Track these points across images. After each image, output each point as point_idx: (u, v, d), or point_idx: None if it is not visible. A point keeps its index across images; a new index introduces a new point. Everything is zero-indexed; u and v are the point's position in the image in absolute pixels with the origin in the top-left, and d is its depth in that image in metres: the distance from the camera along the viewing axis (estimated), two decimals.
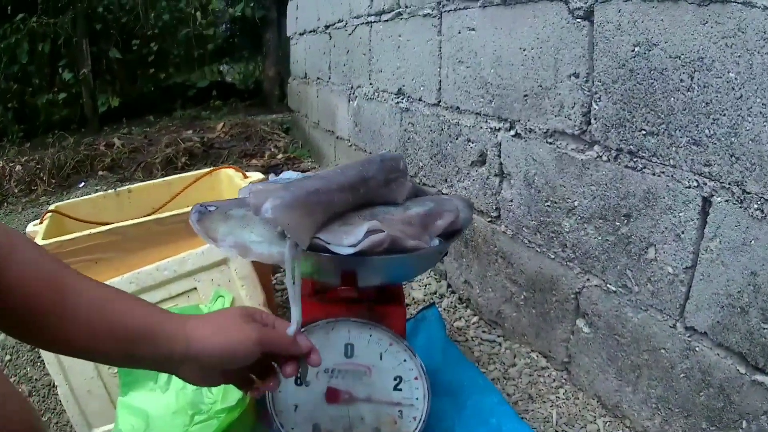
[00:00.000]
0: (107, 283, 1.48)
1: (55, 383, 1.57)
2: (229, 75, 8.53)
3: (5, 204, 4.18)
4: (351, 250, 1.10)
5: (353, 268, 1.18)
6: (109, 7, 6.23)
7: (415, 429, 1.30)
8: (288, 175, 1.20)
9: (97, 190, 4.14)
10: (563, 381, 1.70)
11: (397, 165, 1.29)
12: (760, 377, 1.12)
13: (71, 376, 1.56)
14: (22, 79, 6.33)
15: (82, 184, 4.41)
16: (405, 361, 1.32)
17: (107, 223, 1.79)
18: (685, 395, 1.30)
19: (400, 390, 1.31)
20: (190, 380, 0.97)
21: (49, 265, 0.85)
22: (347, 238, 1.11)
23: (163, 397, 1.45)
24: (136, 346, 0.88)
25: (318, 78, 3.99)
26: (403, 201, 1.30)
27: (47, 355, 1.55)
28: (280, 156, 4.64)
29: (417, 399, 1.30)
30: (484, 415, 1.51)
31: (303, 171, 3.84)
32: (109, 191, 2.23)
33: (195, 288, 1.68)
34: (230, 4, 7.40)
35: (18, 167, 4.40)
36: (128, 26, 6.62)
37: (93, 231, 1.67)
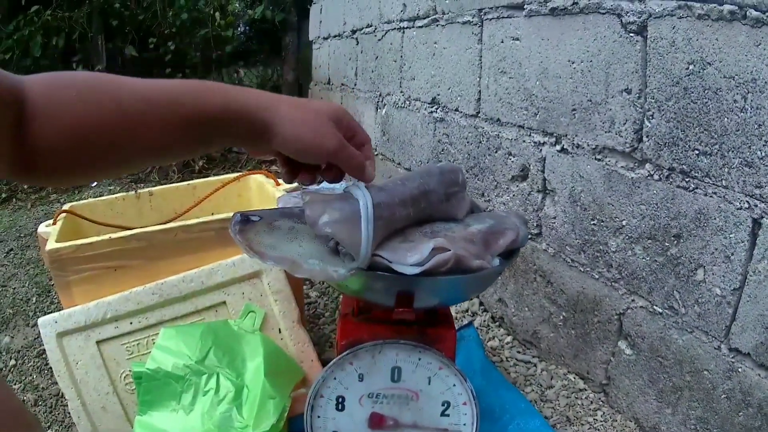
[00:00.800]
0: (125, 294, 1.51)
1: (66, 396, 1.54)
2: (246, 78, 8.55)
3: (14, 200, 4.21)
4: (416, 270, 1.05)
5: (412, 289, 1.13)
6: (126, 4, 6.25)
7: None
8: (327, 186, 1.14)
9: (110, 190, 4.16)
10: (600, 403, 1.72)
11: (456, 178, 1.23)
12: None
13: (84, 390, 1.54)
14: (34, 72, 6.37)
15: (95, 183, 4.44)
16: (454, 385, 1.31)
17: (127, 228, 1.76)
18: (725, 415, 1.32)
19: (448, 416, 1.31)
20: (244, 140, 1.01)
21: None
22: (411, 257, 1.06)
23: (186, 418, 1.42)
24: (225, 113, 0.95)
25: (342, 84, 4.01)
26: (462, 217, 1.25)
27: (57, 366, 1.53)
28: None
29: (465, 425, 1.31)
30: None
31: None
32: (129, 193, 2.19)
33: (224, 302, 1.65)
34: (249, 5, 7.42)
35: None
36: (145, 24, 6.63)
37: (114, 236, 1.61)
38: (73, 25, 5.86)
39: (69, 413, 1.71)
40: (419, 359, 1.29)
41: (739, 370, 1.28)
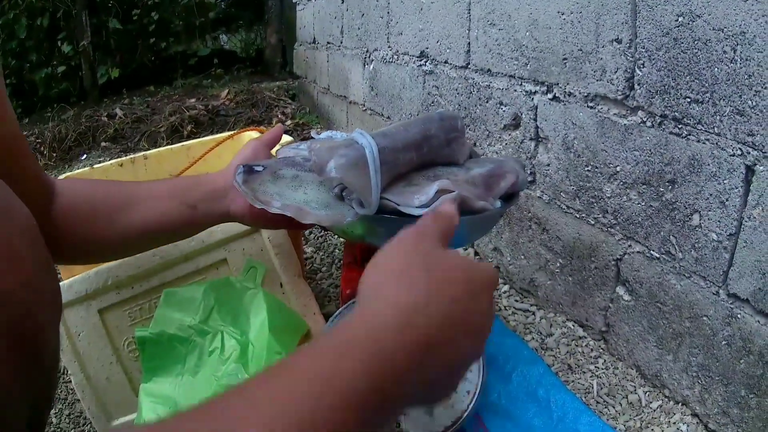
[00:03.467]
0: (123, 261, 1.55)
1: (69, 372, 1.55)
2: (229, 44, 8.56)
3: None
4: (423, 211, 1.03)
5: None
6: None
7: (469, 404, 1.33)
8: (327, 134, 1.16)
9: (100, 161, 4.15)
10: (601, 350, 1.73)
11: (456, 124, 1.26)
12: None
13: (87, 362, 1.54)
14: (20, 54, 6.37)
15: (84, 156, 4.45)
16: None
17: None
18: (726, 363, 1.33)
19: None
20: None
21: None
22: (417, 198, 1.06)
23: (192, 382, 1.42)
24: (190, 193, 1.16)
25: (329, 43, 4.00)
26: (463, 161, 1.28)
27: (61, 342, 1.51)
28: (288, 122, 4.67)
29: (471, 372, 1.34)
30: (531, 387, 1.55)
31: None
32: (124, 158, 2.21)
33: (225, 259, 1.65)
34: None
35: None
36: None
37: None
38: (57, 4, 5.86)
39: (72, 389, 1.72)
40: None
41: (739, 316, 1.29)
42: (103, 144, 4.71)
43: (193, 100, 5.45)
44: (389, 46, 2.88)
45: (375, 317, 0.66)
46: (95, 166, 2.22)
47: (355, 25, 3.39)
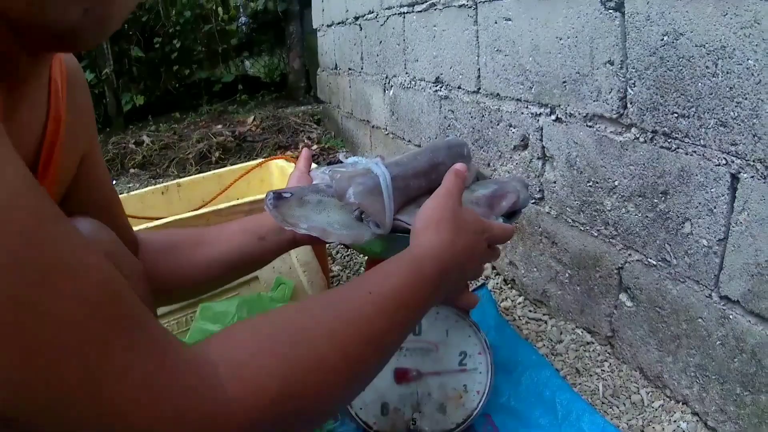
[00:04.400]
0: None
1: None
2: (253, 69, 8.61)
3: None
4: None
5: None
6: None
7: (479, 403, 1.44)
8: (353, 159, 1.28)
9: (129, 188, 4.22)
10: (607, 355, 1.81)
11: (462, 151, 1.37)
12: None
13: None
14: None
15: (114, 182, 4.53)
16: (470, 336, 1.45)
17: (159, 218, 1.83)
18: (721, 362, 1.40)
19: (465, 365, 1.45)
20: None
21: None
22: None
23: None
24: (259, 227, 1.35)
25: (350, 69, 4.09)
26: (469, 184, 1.37)
27: None
28: (314, 147, 4.74)
29: (480, 373, 1.44)
30: (538, 389, 1.64)
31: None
32: (159, 185, 2.32)
33: (256, 277, 1.74)
34: None
35: None
36: (149, 24, 6.72)
37: (150, 225, 1.67)
38: None
39: None
40: (437, 313, 1.44)
41: (731, 317, 1.35)
42: (132, 171, 4.78)
43: (219, 126, 5.52)
44: (407, 73, 2.98)
45: (419, 252, 1.02)
46: (131, 193, 2.30)
47: (374, 52, 3.49)
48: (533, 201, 2.05)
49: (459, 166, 1.20)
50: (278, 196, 1.22)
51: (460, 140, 1.41)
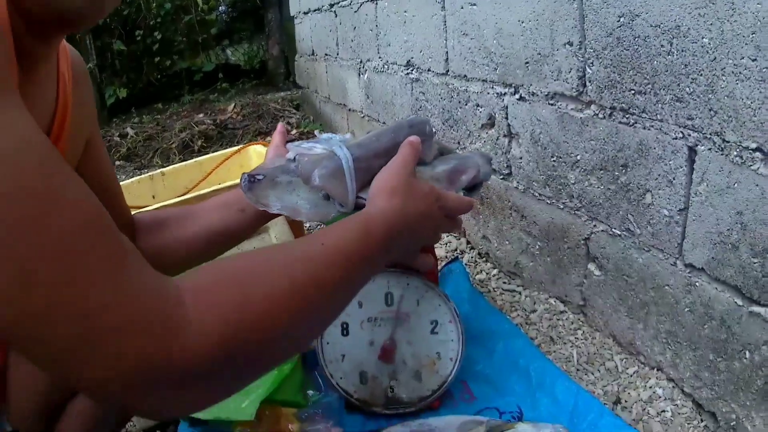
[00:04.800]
0: None
1: None
2: (234, 56, 8.60)
3: None
4: None
5: None
6: None
7: (452, 369, 1.49)
8: (327, 136, 1.32)
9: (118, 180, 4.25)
10: (581, 323, 1.84)
11: (424, 129, 1.36)
12: (756, 309, 1.23)
13: None
14: None
15: None
16: (440, 306, 1.49)
17: (146, 207, 1.88)
18: (691, 329, 1.42)
19: (437, 333, 1.49)
20: None
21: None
22: None
23: None
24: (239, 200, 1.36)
25: (326, 54, 4.10)
26: (430, 161, 1.39)
27: None
28: (294, 132, 4.75)
29: (452, 341, 1.49)
30: (513, 357, 1.66)
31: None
32: (144, 175, 2.35)
33: None
34: None
35: None
36: (131, 18, 6.70)
37: (136, 213, 1.62)
38: None
39: None
40: (407, 284, 1.49)
41: (697, 284, 1.38)
42: (117, 163, 4.79)
43: (201, 115, 5.52)
44: (380, 57, 3.00)
45: (370, 215, 1.07)
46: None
47: (348, 38, 3.51)
48: (502, 177, 2.08)
49: (413, 138, 1.24)
50: (252, 178, 1.26)
51: (422, 118, 1.43)
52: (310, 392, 1.54)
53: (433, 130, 1.40)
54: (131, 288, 0.65)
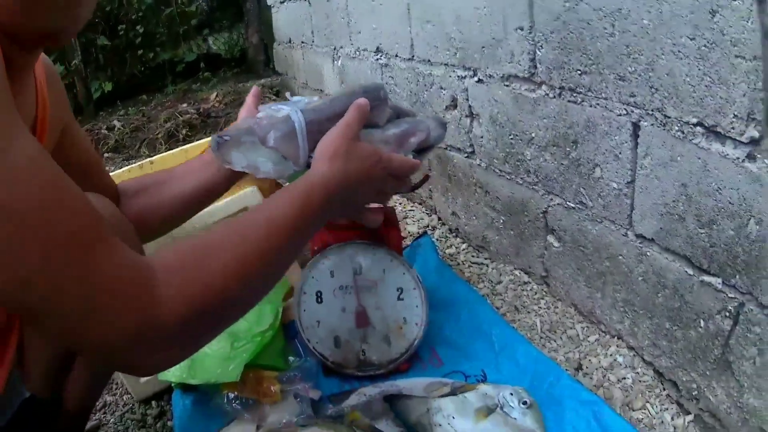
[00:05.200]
0: (147, 244, 1.78)
1: None
2: (215, 45, 8.57)
3: None
4: None
5: None
6: None
7: (417, 334, 1.57)
8: (297, 98, 1.38)
9: (108, 171, 4.25)
10: (544, 293, 1.90)
11: (378, 94, 1.38)
12: (707, 278, 1.27)
13: None
14: None
15: None
16: (404, 274, 1.57)
17: None
18: (646, 297, 1.47)
19: (403, 300, 1.57)
20: None
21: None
22: None
23: None
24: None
25: (302, 42, 4.10)
26: (383, 124, 1.41)
27: None
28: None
29: (417, 306, 1.57)
30: (477, 325, 1.73)
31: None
32: (132, 165, 2.39)
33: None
34: None
35: None
36: (113, 13, 6.68)
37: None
38: None
39: None
40: (374, 254, 1.57)
41: (648, 254, 1.43)
42: (106, 155, 4.76)
43: (185, 105, 5.51)
44: (352, 44, 3.03)
45: (310, 181, 1.11)
46: (111, 173, 2.35)
47: (322, 26, 3.53)
48: (466, 155, 2.15)
49: (360, 100, 1.27)
50: (220, 139, 1.31)
51: (376, 84, 1.45)
52: (291, 358, 1.63)
53: (386, 94, 1.42)
54: (115, 269, 0.78)
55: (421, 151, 1.45)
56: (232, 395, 1.51)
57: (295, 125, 1.27)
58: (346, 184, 1.15)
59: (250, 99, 1.55)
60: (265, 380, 1.53)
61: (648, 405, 1.46)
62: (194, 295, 0.84)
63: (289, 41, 4.53)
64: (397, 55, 2.50)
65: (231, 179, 1.45)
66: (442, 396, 1.41)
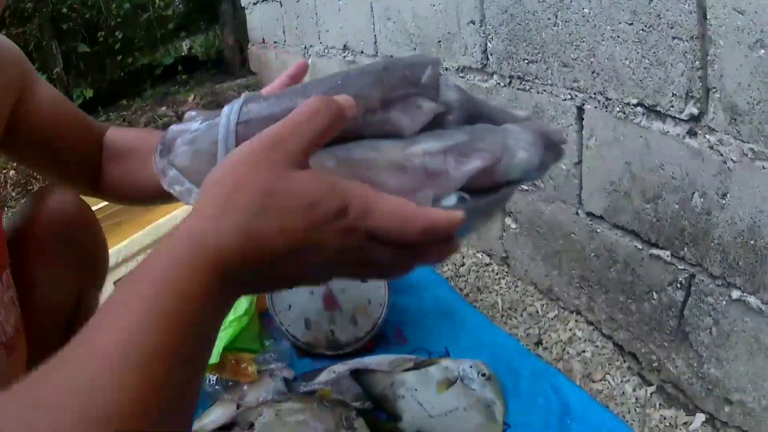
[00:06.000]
0: (130, 240, 1.79)
1: None
2: (193, 48, 8.55)
3: (6, 209, 4.13)
4: None
5: None
6: (73, 6, 6.29)
7: (381, 313, 1.62)
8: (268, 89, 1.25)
9: None
10: (504, 273, 1.94)
11: (417, 75, 0.68)
12: (655, 251, 1.31)
13: None
14: None
15: None
16: None
17: None
18: (599, 272, 1.52)
19: (366, 282, 1.61)
20: None
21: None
22: None
23: None
24: None
25: (275, 42, 4.16)
26: (411, 132, 0.67)
27: None
28: None
29: (380, 287, 1.62)
30: (440, 305, 1.79)
31: None
32: None
33: None
34: None
35: (11, 172, 4.44)
36: (92, 20, 6.67)
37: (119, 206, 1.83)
38: (27, 38, 5.87)
39: None
40: None
41: (598, 230, 1.48)
42: None
43: (164, 108, 5.50)
44: (321, 42, 3.09)
45: (181, 252, 0.53)
46: None
47: (293, 26, 3.58)
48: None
49: (342, 98, 0.60)
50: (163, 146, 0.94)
51: (421, 58, 0.72)
52: (267, 342, 1.67)
53: (435, 77, 0.70)
54: None
55: (482, 191, 0.66)
56: (213, 378, 1.54)
57: (219, 130, 0.69)
58: (255, 253, 0.54)
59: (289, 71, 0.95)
60: (243, 362, 1.57)
61: (608, 377, 1.49)
62: None
63: (263, 41, 4.57)
64: (362, 52, 2.55)
65: None
66: (406, 370, 1.46)
